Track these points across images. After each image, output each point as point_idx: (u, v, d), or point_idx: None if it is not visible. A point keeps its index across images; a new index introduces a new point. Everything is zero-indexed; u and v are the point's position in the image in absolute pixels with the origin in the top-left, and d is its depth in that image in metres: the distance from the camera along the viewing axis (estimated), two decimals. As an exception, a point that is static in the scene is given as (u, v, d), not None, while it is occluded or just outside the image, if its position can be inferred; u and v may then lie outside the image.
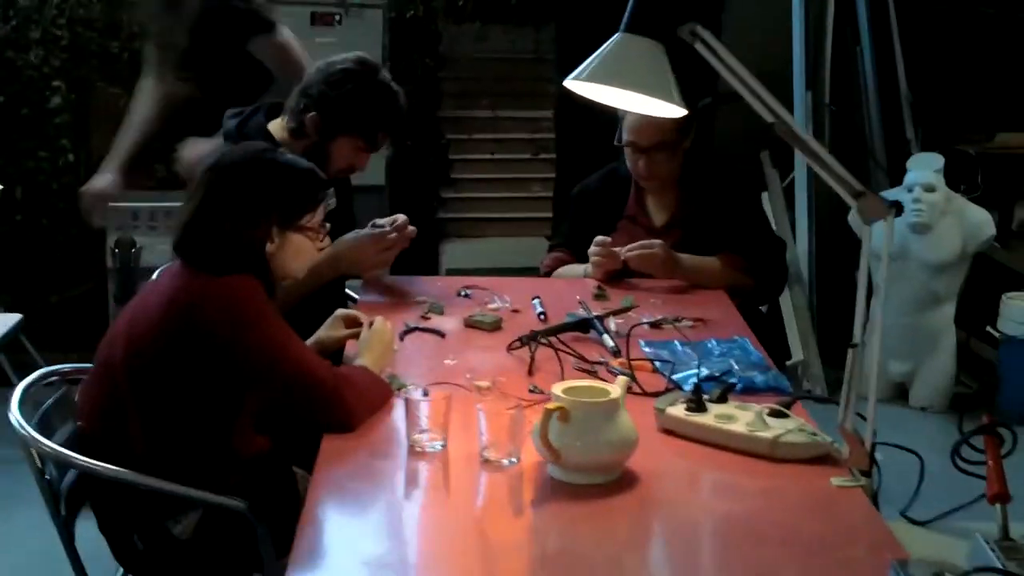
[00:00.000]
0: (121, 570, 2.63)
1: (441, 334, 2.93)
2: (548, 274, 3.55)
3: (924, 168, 4.88)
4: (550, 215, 5.43)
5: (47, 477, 2.51)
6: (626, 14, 2.27)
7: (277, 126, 3.20)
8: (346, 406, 2.38)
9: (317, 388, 2.39)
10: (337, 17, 4.93)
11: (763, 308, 3.73)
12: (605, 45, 2.31)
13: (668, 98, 2.26)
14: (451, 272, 5.24)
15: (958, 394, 4.97)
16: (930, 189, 4.85)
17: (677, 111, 2.32)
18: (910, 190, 4.86)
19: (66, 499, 2.55)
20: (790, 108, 5.28)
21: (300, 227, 2.54)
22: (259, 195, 2.50)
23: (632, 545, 2.00)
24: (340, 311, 2.86)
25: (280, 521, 2.46)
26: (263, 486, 2.50)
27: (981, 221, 4.91)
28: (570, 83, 2.37)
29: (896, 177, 5.10)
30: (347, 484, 2.18)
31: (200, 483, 2.43)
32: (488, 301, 3.17)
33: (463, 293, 3.24)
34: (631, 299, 3.12)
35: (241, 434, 2.51)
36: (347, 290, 3.45)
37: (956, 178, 5.03)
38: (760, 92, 2.12)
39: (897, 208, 2.09)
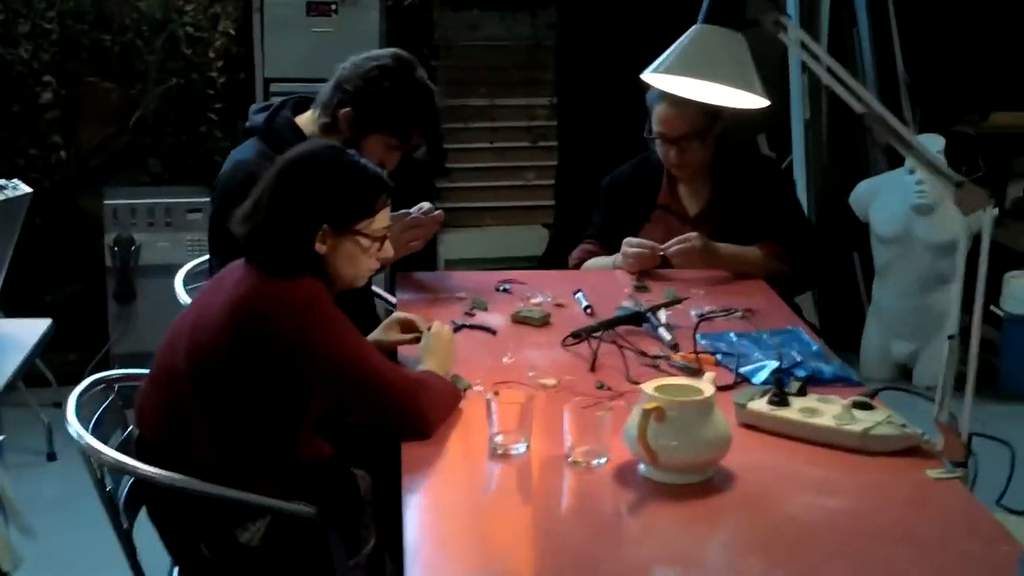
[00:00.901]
0: (176, 573, 2.57)
1: (492, 331, 2.88)
2: (577, 266, 3.52)
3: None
4: (549, 203, 5.39)
5: (107, 488, 2.45)
6: (704, 5, 2.23)
7: (306, 120, 3.13)
8: (422, 412, 2.33)
9: (393, 395, 2.33)
10: (333, 6, 4.85)
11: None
12: (683, 37, 2.27)
13: (751, 89, 2.23)
14: (449, 263, 5.19)
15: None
16: (932, 170, 4.85)
17: (761, 102, 2.29)
18: (912, 172, 4.87)
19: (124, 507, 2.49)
20: (786, 91, 5.28)
21: (356, 232, 2.46)
22: (314, 194, 2.43)
23: (744, 545, 1.97)
24: (396, 314, 2.80)
25: (344, 524, 2.43)
26: (326, 490, 2.45)
27: (983, 201, 4.92)
28: (649, 76, 2.33)
29: (895, 158, 5.11)
30: (438, 493, 2.15)
31: (265, 489, 2.38)
32: (529, 296, 3.12)
33: (502, 288, 3.20)
34: (673, 291, 3.09)
35: (305, 439, 2.45)
36: (374, 287, 3.39)
37: (956, 159, 5.05)
38: (849, 81, 2.09)
39: (995, 199, 2.07)
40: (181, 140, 4.97)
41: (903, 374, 5.10)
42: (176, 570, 2.57)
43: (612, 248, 3.41)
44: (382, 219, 2.49)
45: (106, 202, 4.70)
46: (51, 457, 4.24)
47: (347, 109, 3.03)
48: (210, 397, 2.39)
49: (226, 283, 2.47)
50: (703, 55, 2.22)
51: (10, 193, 2.81)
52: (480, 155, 5.34)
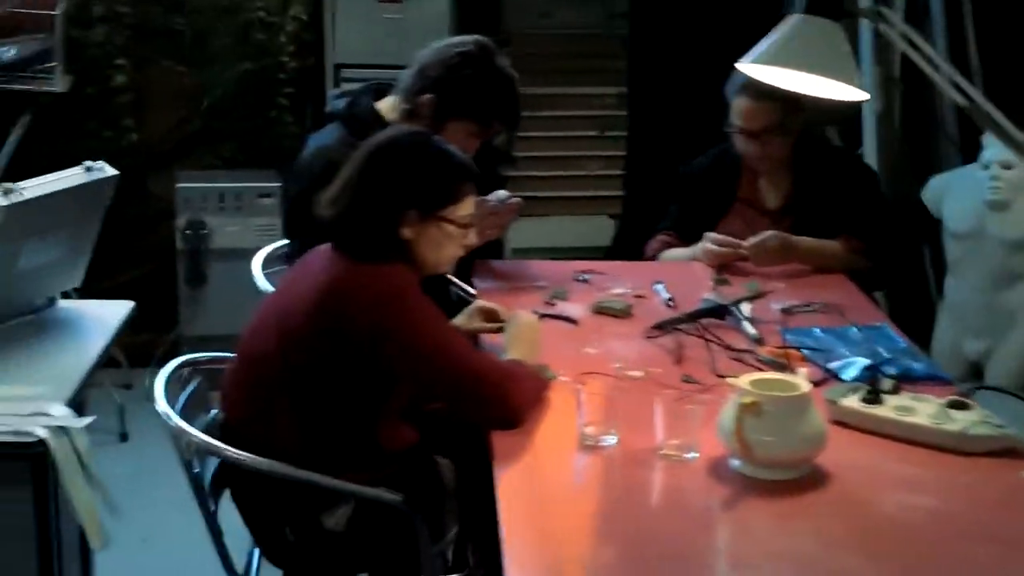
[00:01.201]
0: (256, 554, 2.58)
1: (573, 321, 2.87)
2: (653, 257, 3.50)
3: (1001, 144, 4.82)
4: (615, 194, 5.36)
5: (196, 471, 2.46)
6: (804, -5, 2.21)
7: (386, 106, 3.13)
8: (512, 402, 2.33)
9: (482, 384, 2.33)
10: (403, -7, 4.85)
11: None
12: (780, 26, 2.25)
13: (850, 80, 2.20)
14: (517, 252, 5.18)
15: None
16: (1007, 166, 4.78)
17: (860, 94, 2.26)
18: (986, 167, 4.80)
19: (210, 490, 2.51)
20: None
21: (442, 218, 2.46)
22: (402, 180, 2.43)
23: (838, 542, 1.94)
24: (479, 303, 2.80)
25: (427, 512, 2.43)
26: (410, 477, 2.45)
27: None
28: (744, 65, 2.31)
29: (968, 153, 5.04)
30: (529, 483, 2.14)
31: (349, 475, 2.38)
32: (608, 286, 3.11)
33: (580, 278, 3.18)
34: (756, 284, 3.07)
35: (390, 425, 2.46)
36: (448, 275, 3.38)
37: (1031, 155, 4.97)
38: (952, 74, 2.06)
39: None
40: (251, 125, 4.99)
41: (974, 372, 5.03)
42: (257, 552, 2.59)
43: (689, 239, 3.39)
44: (467, 206, 2.48)
45: (178, 185, 4.72)
46: (123, 437, 4.27)
47: (429, 96, 3.02)
48: (297, 382, 2.40)
49: (313, 268, 2.47)
50: (802, 45, 2.19)
51: (97, 175, 2.82)
52: (546, 144, 5.31)
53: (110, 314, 2.96)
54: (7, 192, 2.55)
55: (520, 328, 2.60)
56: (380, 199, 2.40)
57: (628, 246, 3.94)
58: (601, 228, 5.34)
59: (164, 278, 4.84)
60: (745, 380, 2.11)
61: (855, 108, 5.23)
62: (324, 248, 2.50)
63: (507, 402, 2.32)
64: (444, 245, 2.48)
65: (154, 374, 2.56)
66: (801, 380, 2.13)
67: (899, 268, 3.58)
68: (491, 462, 2.21)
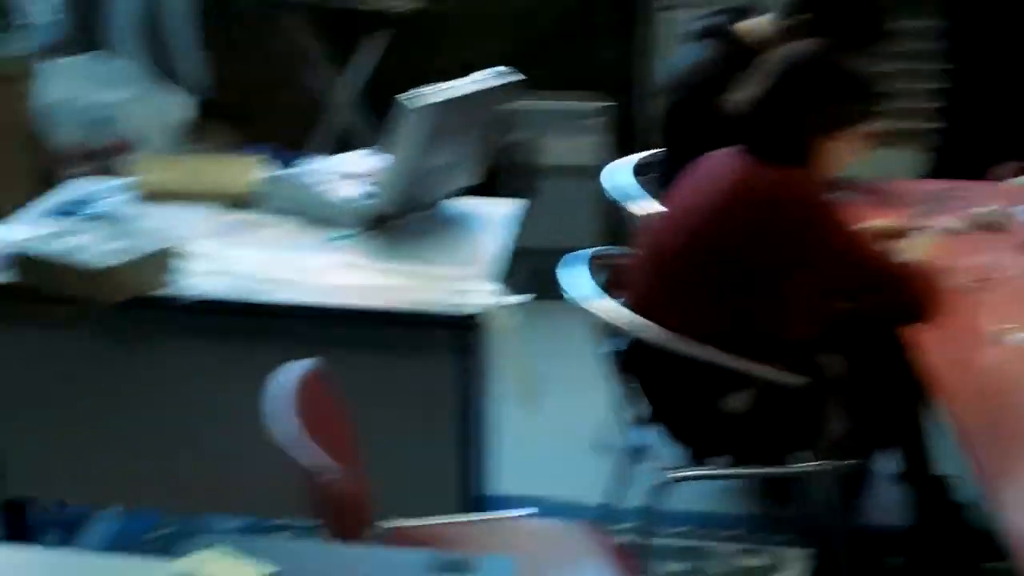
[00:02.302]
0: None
1: (955, 232, 2.96)
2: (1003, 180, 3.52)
3: None
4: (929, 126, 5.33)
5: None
6: None
7: (745, 28, 3.28)
8: (921, 299, 2.47)
9: (894, 280, 2.48)
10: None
11: None
12: None
13: None
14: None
15: None
16: None
17: None
18: None
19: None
20: None
21: (848, 132, 2.58)
22: (820, 92, 2.57)
23: None
24: (877, 221, 2.92)
25: (823, 401, 2.59)
26: (807, 369, 2.60)
27: None
28: None
29: None
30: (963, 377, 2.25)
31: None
32: (971, 206, 3.15)
33: (944, 197, 3.25)
34: None
35: (795, 319, 2.61)
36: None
37: None
38: None
39: None
40: (577, 45, 5.16)
41: None
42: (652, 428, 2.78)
43: None
44: (868, 123, 2.61)
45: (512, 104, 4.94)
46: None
47: (805, 14, 3.15)
48: (704, 274, 2.57)
49: (720, 170, 2.64)
50: None
51: (504, 79, 3.03)
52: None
53: (500, 211, 3.18)
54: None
55: (915, 241, 2.73)
56: (798, 108, 2.55)
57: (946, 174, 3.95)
58: (912, 159, 5.34)
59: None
60: None
61: None
62: (723, 153, 2.66)
63: (918, 299, 2.46)
64: (843, 157, 2.62)
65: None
66: None
67: None
68: (885, 359, 2.32)
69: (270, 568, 1.39)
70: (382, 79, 4.83)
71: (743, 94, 2.62)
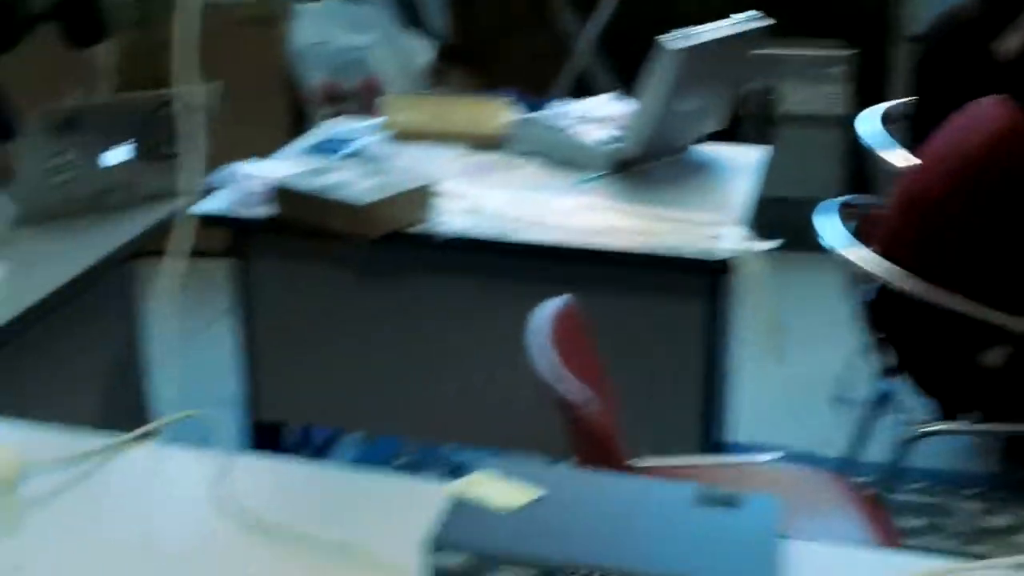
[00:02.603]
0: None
1: None
2: None
3: None
4: None
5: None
6: None
7: None
8: None
9: None
10: None
11: None
12: None
13: None
14: None
15: None
16: None
17: None
18: None
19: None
20: None
21: None
22: None
23: None
24: None
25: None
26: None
27: None
28: None
29: None
30: None
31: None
32: None
33: None
34: None
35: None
36: None
37: None
38: None
39: None
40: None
41: None
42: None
43: None
44: None
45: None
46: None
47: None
48: (966, 224, 2.51)
49: (982, 119, 2.56)
50: None
51: (755, 24, 3.00)
52: None
53: (746, 158, 3.16)
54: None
55: None
56: None
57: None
58: None
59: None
60: None
61: None
62: (985, 101, 2.57)
63: None
64: None
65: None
66: None
67: None
68: None
69: (539, 492, 1.42)
70: (620, 25, 4.83)
71: (1015, 40, 2.53)
